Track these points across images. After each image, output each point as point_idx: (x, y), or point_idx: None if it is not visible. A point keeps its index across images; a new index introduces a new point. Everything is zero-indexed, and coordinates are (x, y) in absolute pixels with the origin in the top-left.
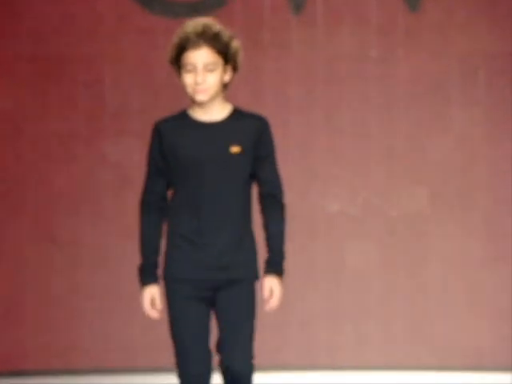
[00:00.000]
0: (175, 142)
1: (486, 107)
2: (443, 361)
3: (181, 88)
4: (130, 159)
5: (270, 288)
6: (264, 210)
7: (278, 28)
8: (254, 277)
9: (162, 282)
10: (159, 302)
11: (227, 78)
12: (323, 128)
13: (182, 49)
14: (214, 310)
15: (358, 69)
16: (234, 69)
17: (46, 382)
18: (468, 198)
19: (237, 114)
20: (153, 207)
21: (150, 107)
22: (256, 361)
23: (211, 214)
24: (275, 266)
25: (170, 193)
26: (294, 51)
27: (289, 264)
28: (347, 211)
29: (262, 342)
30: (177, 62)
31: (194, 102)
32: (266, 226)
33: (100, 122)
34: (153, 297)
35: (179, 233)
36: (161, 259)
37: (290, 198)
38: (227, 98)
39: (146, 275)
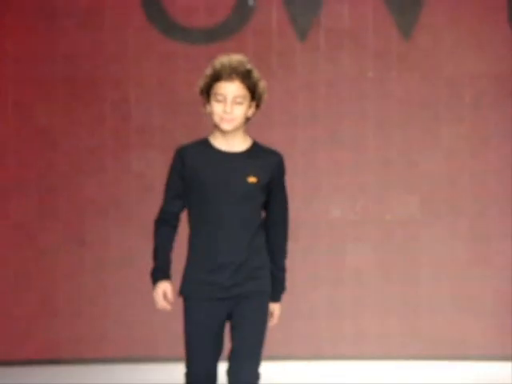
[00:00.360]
0: (197, 167)
1: (472, 124)
2: (432, 351)
3: (197, 106)
4: (152, 170)
5: (271, 312)
6: (270, 229)
7: (284, 53)
8: (267, 290)
9: (180, 297)
10: (171, 296)
11: (251, 112)
12: (326, 142)
13: (215, 79)
14: (229, 322)
15: (357, 89)
16: (257, 106)
17: (77, 370)
18: (455, 205)
19: (256, 148)
20: (167, 224)
21: (171, 124)
22: (264, 351)
23: (228, 235)
24: (278, 294)
25: (185, 213)
26: (299, 74)
27: (295, 264)
28: (347, 216)
29: (270, 334)
30: (207, 91)
31: (218, 131)
32: (271, 253)
33: (126, 136)
34: (165, 291)
35: (197, 252)
36: (180, 276)
37: (296, 205)
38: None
39: (159, 273)
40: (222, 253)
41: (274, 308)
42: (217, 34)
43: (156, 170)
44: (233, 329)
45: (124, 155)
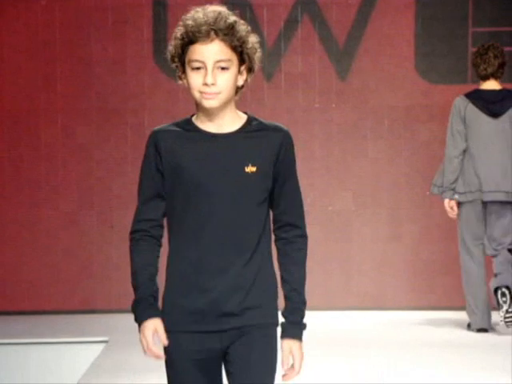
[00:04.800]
0: (177, 157)
1: (389, 141)
2: (360, 304)
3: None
4: None
5: (289, 352)
6: (281, 245)
7: (255, 89)
8: (273, 322)
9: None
10: (165, 338)
11: (242, 80)
12: None
13: (188, 41)
14: (225, 366)
15: (307, 116)
16: (249, 70)
17: (108, 317)
18: (377, 199)
19: (253, 125)
20: (146, 236)
21: None
22: None
23: (220, 247)
24: (295, 326)
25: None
26: (267, 105)
27: None
28: None
29: None
30: (180, 58)
31: (200, 108)
32: (284, 268)
33: (141, 151)
34: (156, 331)
35: (178, 272)
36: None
37: None
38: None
39: (145, 308)
40: (212, 271)
41: (292, 348)
42: None
43: None
44: (229, 376)
45: (140, 164)
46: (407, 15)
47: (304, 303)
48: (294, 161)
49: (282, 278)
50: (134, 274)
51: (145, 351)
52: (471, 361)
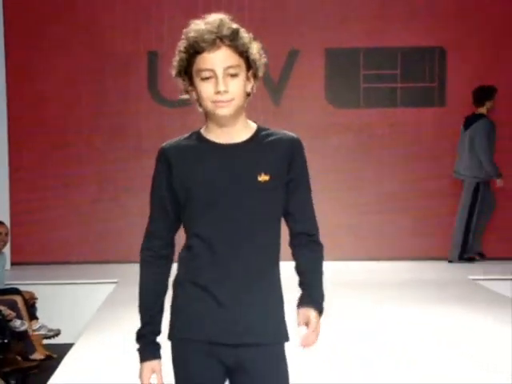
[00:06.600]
0: (189, 171)
1: (320, 155)
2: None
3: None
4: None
5: (305, 318)
6: (297, 251)
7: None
8: (284, 339)
9: (168, 342)
10: (161, 379)
11: (250, 86)
12: None
13: (193, 52)
14: (233, 381)
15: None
16: (255, 76)
17: (117, 266)
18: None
19: (263, 134)
20: (157, 256)
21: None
22: None
23: (234, 258)
24: (313, 301)
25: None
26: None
27: None
28: None
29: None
30: (186, 70)
31: (211, 120)
32: (302, 266)
33: (139, 161)
34: (153, 372)
35: (192, 281)
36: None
37: None
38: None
39: (147, 347)
40: (225, 282)
41: (309, 314)
42: (185, 102)
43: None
44: None
45: (138, 163)
46: (319, 62)
47: (323, 296)
48: (307, 168)
49: (301, 275)
50: (141, 297)
51: None
52: None
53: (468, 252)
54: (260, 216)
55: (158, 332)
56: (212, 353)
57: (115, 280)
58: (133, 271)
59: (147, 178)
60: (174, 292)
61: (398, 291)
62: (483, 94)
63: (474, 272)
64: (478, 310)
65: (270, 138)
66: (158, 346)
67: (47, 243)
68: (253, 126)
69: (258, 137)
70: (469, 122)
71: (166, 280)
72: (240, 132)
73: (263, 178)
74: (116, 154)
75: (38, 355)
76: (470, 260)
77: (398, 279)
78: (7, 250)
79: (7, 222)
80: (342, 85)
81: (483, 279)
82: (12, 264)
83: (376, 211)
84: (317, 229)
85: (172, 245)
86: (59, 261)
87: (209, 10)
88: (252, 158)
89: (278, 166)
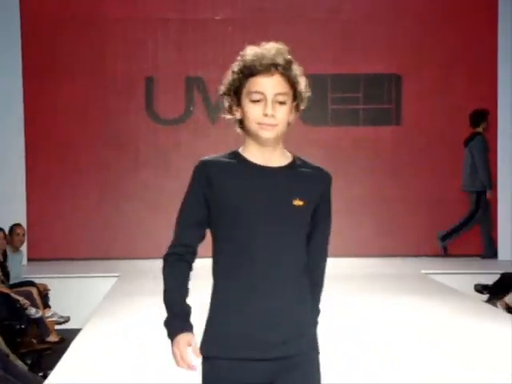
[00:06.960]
0: (228, 186)
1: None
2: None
3: (170, 154)
4: (147, 167)
5: None
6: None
7: (202, 131)
8: (317, 351)
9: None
10: (198, 351)
11: (292, 117)
12: None
13: (249, 74)
14: None
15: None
16: (297, 109)
17: (129, 263)
18: None
19: (299, 163)
20: (181, 260)
21: (161, 163)
22: None
23: (268, 274)
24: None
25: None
26: (211, 142)
27: None
28: None
29: None
30: (236, 90)
31: (252, 141)
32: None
33: (136, 171)
34: (188, 343)
35: (226, 297)
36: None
37: None
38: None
39: (177, 323)
40: (260, 298)
41: None
42: (177, 120)
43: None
44: None
45: (135, 173)
46: None
47: (318, 312)
48: (331, 203)
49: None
50: (166, 292)
51: (177, 362)
52: None
53: (449, 240)
54: (292, 236)
55: (188, 315)
56: (246, 370)
57: (117, 274)
58: (133, 267)
59: (143, 186)
60: (209, 311)
61: (359, 284)
62: (477, 117)
63: (425, 266)
64: (431, 300)
65: (306, 168)
66: (190, 324)
67: (59, 242)
68: (289, 155)
69: (294, 165)
70: (468, 140)
71: (188, 281)
72: (278, 157)
73: (297, 202)
74: (117, 164)
75: (52, 338)
76: (445, 249)
77: (361, 273)
78: (24, 247)
79: (23, 223)
80: (313, 106)
81: (433, 273)
82: (28, 260)
83: (345, 213)
84: (325, 266)
85: (195, 253)
86: (68, 257)
87: (196, 45)
88: (288, 182)
89: (312, 194)
